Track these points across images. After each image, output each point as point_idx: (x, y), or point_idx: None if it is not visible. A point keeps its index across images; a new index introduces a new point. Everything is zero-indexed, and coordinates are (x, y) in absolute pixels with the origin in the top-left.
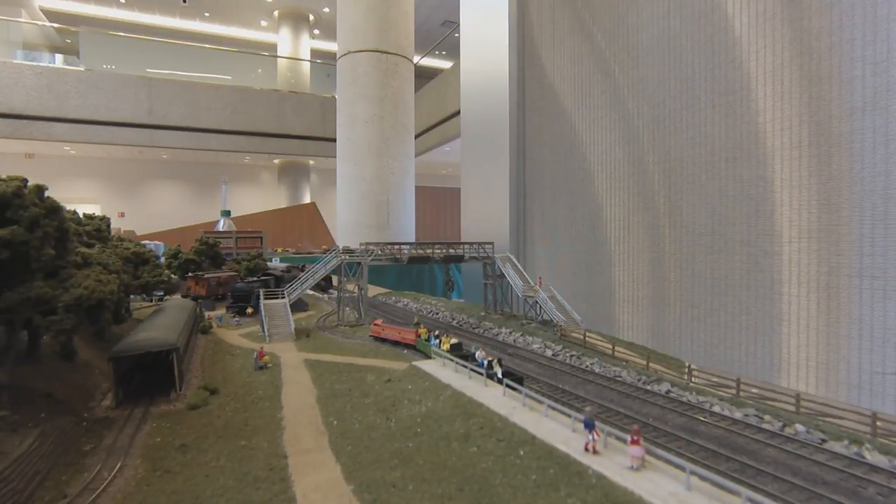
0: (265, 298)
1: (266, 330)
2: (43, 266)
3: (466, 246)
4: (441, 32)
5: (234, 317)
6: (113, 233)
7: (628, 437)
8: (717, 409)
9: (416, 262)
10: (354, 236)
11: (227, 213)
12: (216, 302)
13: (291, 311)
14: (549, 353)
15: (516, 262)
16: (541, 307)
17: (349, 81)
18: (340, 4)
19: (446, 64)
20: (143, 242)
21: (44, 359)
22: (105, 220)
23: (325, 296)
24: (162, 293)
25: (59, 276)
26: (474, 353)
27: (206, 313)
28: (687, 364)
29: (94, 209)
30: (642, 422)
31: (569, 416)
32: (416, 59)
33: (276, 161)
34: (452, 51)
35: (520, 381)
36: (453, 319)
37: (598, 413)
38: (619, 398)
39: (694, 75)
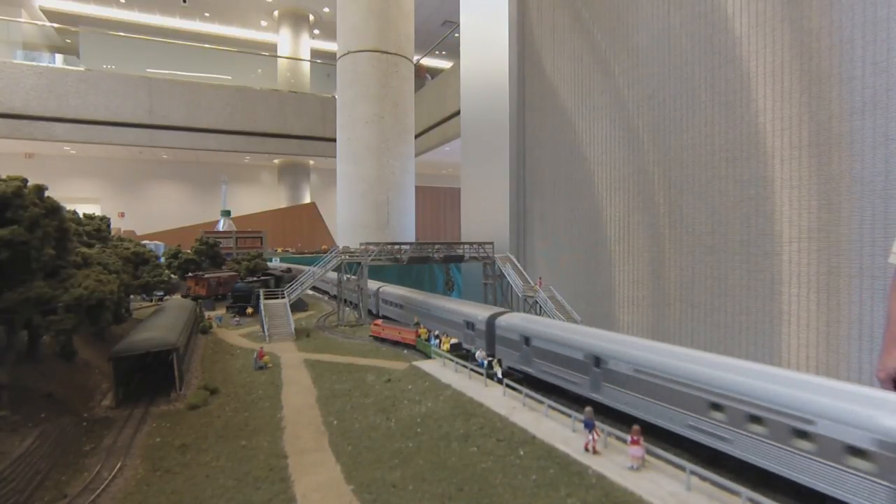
0: (265, 298)
1: (266, 330)
2: (43, 266)
3: (466, 246)
4: (441, 32)
5: (234, 317)
6: (113, 233)
7: (628, 437)
8: None
9: (416, 262)
10: (354, 236)
11: (227, 213)
12: (216, 302)
13: (291, 311)
14: None
15: (516, 261)
16: (541, 307)
17: (349, 81)
18: (340, 4)
19: (446, 64)
20: (144, 242)
21: (44, 359)
22: (105, 220)
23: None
24: (162, 293)
25: (59, 276)
26: (474, 353)
27: (206, 313)
28: None
29: (95, 209)
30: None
31: (569, 416)
32: (416, 58)
33: (276, 161)
34: (452, 50)
35: (520, 381)
36: None
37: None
38: None
39: (694, 75)
